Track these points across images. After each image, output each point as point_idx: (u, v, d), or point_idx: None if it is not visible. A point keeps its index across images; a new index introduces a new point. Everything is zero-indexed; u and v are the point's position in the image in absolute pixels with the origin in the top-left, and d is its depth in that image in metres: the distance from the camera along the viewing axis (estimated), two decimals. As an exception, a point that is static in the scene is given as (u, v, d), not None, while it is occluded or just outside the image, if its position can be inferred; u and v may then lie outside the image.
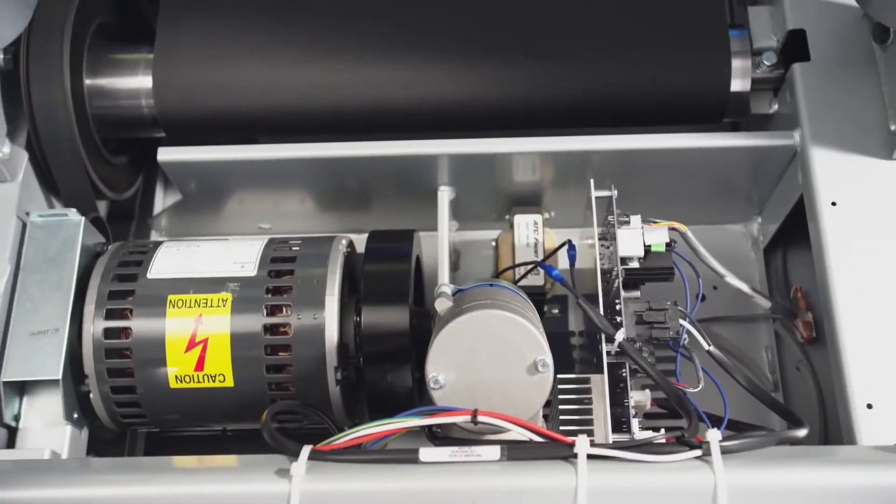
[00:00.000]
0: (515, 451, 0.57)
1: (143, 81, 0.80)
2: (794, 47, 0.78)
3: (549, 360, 0.61)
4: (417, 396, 0.71)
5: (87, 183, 0.77)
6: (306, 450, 0.57)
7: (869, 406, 0.65)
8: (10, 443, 0.69)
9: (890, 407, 0.65)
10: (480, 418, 0.57)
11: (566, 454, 0.56)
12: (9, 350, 0.69)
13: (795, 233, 0.79)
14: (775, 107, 0.81)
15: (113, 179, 0.82)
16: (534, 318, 0.65)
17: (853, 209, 0.71)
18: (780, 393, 0.83)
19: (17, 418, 0.70)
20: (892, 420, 0.64)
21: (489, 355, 0.61)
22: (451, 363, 0.61)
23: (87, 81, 0.79)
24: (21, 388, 0.70)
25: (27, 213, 0.74)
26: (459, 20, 0.79)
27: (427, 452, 0.57)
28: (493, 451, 0.57)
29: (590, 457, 0.56)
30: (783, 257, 0.86)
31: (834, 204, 0.72)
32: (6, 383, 0.68)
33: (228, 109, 0.79)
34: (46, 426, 0.69)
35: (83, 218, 0.74)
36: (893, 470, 0.57)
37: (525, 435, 0.58)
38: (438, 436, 0.62)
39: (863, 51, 0.76)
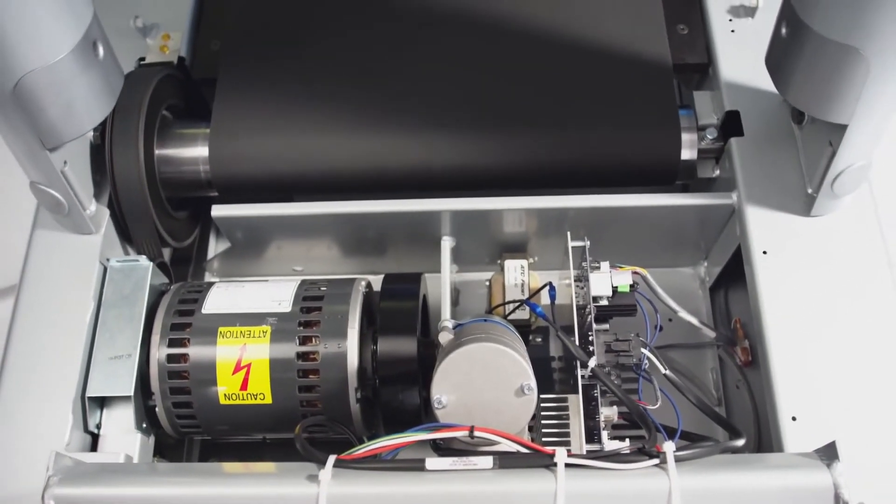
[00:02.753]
0: (505, 461, 0.57)
1: (202, 151, 0.80)
2: (731, 125, 0.78)
3: (534, 384, 0.61)
4: (424, 412, 0.71)
5: (155, 234, 0.78)
6: (332, 459, 0.57)
7: (793, 418, 0.65)
8: (94, 446, 0.70)
9: (810, 419, 0.65)
10: (476, 433, 0.58)
11: (547, 463, 0.56)
12: (92, 371, 0.70)
13: (735, 275, 0.79)
14: (717, 172, 0.81)
15: (175, 231, 0.83)
16: (521, 348, 0.65)
17: (779, 256, 0.72)
18: (723, 407, 0.82)
19: (98, 427, 0.70)
20: (812, 430, 0.64)
21: (484, 380, 0.61)
22: (452, 387, 0.61)
23: (157, 152, 0.79)
24: (101, 403, 0.71)
25: (107, 260, 0.74)
26: (461, 103, 0.80)
27: (432, 462, 0.57)
28: (487, 461, 0.57)
29: (567, 465, 0.56)
30: (725, 295, 0.86)
31: (765, 252, 0.72)
32: (90, 398, 0.69)
33: (270, 174, 0.79)
34: (121, 433, 0.70)
35: (151, 263, 0.74)
36: (812, 474, 0.57)
37: (513, 447, 0.58)
38: (442, 447, 0.62)
39: (784, 129, 0.77)
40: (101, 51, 0.66)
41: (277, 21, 0.85)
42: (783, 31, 0.66)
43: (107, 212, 0.76)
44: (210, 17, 0.88)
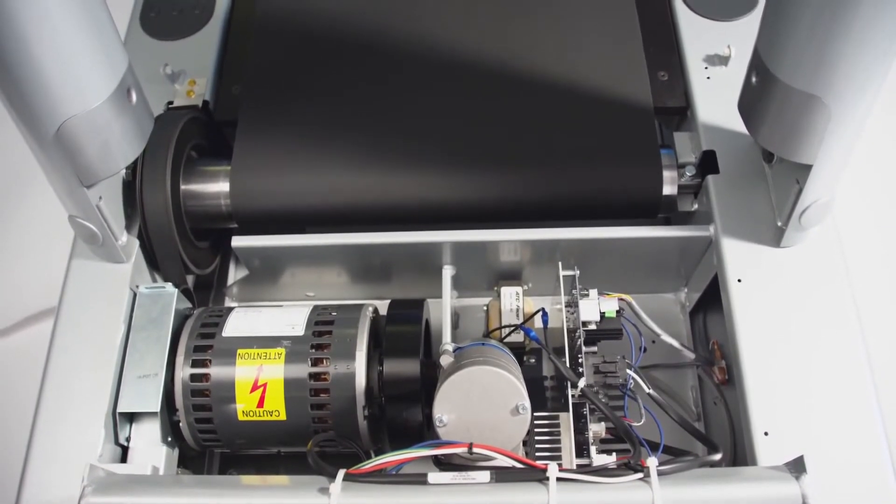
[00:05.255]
0: (502, 475, 0.57)
1: (223, 187, 0.81)
2: (708, 163, 0.79)
3: (528, 404, 0.61)
4: (426, 428, 0.71)
5: (180, 263, 0.78)
6: (341, 473, 0.58)
7: (766, 434, 0.65)
8: (123, 458, 0.70)
9: (781, 434, 0.65)
10: (475, 450, 0.58)
11: (540, 477, 0.56)
12: (122, 389, 0.70)
13: (712, 300, 0.79)
14: (696, 206, 0.82)
15: (198, 259, 0.83)
16: (516, 370, 0.65)
17: (752, 284, 0.72)
18: (702, 423, 0.83)
19: (128, 440, 0.71)
20: (782, 445, 0.65)
21: (482, 401, 0.61)
22: (452, 407, 0.61)
23: (183, 187, 0.80)
24: (131, 418, 0.71)
25: (137, 286, 0.75)
26: (461, 143, 0.81)
27: (434, 476, 0.57)
28: (485, 475, 0.57)
29: (559, 479, 0.56)
30: (704, 319, 0.87)
31: (739, 280, 0.73)
32: (120, 414, 0.70)
33: (285, 208, 0.80)
34: (149, 446, 0.70)
35: (176, 290, 0.75)
36: (782, 486, 0.57)
37: (509, 462, 0.58)
38: (443, 463, 0.62)
39: (756, 167, 0.78)
40: (134, 97, 0.67)
41: (292, 69, 0.87)
42: (753, 79, 0.67)
43: (136, 242, 0.77)
44: (232, 64, 0.90)
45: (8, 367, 1.10)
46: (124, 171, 0.75)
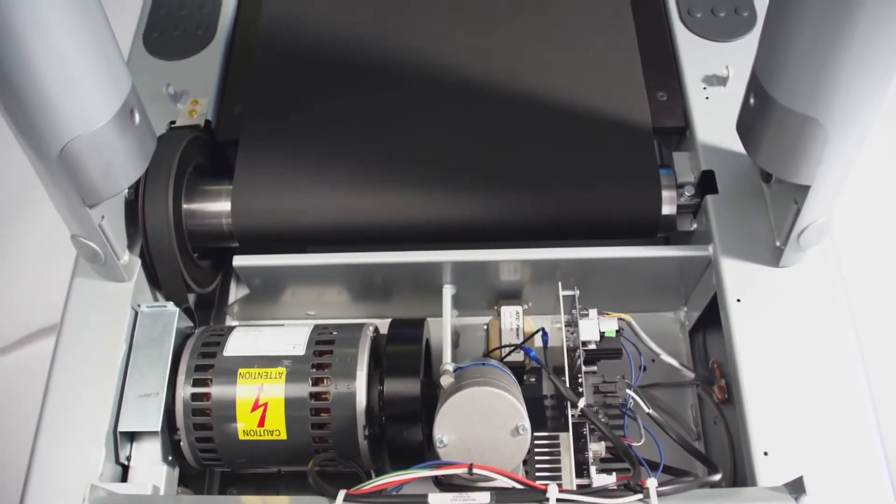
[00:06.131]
0: (502, 496, 0.57)
1: (224, 206, 0.81)
2: (707, 183, 0.80)
3: (528, 425, 0.62)
4: (427, 447, 0.71)
5: (182, 282, 0.79)
6: (342, 493, 0.58)
7: (765, 453, 0.65)
8: (124, 477, 0.70)
9: (780, 454, 0.65)
10: (475, 471, 0.58)
11: (540, 499, 0.56)
12: (123, 408, 0.71)
13: (712, 320, 0.79)
14: (695, 226, 0.82)
15: (199, 278, 0.84)
16: (516, 391, 0.65)
17: (751, 303, 0.72)
18: (702, 442, 0.83)
19: (128, 459, 0.71)
20: (782, 465, 0.65)
21: (482, 421, 0.61)
22: (453, 427, 0.62)
23: (185, 206, 0.81)
24: (131, 437, 0.71)
25: (138, 305, 0.76)
26: (462, 164, 0.81)
27: (434, 497, 0.57)
28: (485, 496, 0.57)
29: (559, 500, 0.56)
30: (703, 338, 0.87)
31: (738, 300, 0.73)
32: (121, 433, 0.70)
33: (286, 228, 0.81)
34: (149, 465, 0.70)
35: (178, 309, 0.75)
36: None
37: (509, 483, 0.58)
38: (443, 483, 0.63)
39: (755, 188, 0.78)
40: (137, 117, 0.68)
41: (293, 89, 0.87)
42: (751, 101, 0.68)
43: (138, 261, 0.77)
44: (234, 84, 0.91)
45: (9, 384, 1.10)
46: (127, 190, 0.76)
